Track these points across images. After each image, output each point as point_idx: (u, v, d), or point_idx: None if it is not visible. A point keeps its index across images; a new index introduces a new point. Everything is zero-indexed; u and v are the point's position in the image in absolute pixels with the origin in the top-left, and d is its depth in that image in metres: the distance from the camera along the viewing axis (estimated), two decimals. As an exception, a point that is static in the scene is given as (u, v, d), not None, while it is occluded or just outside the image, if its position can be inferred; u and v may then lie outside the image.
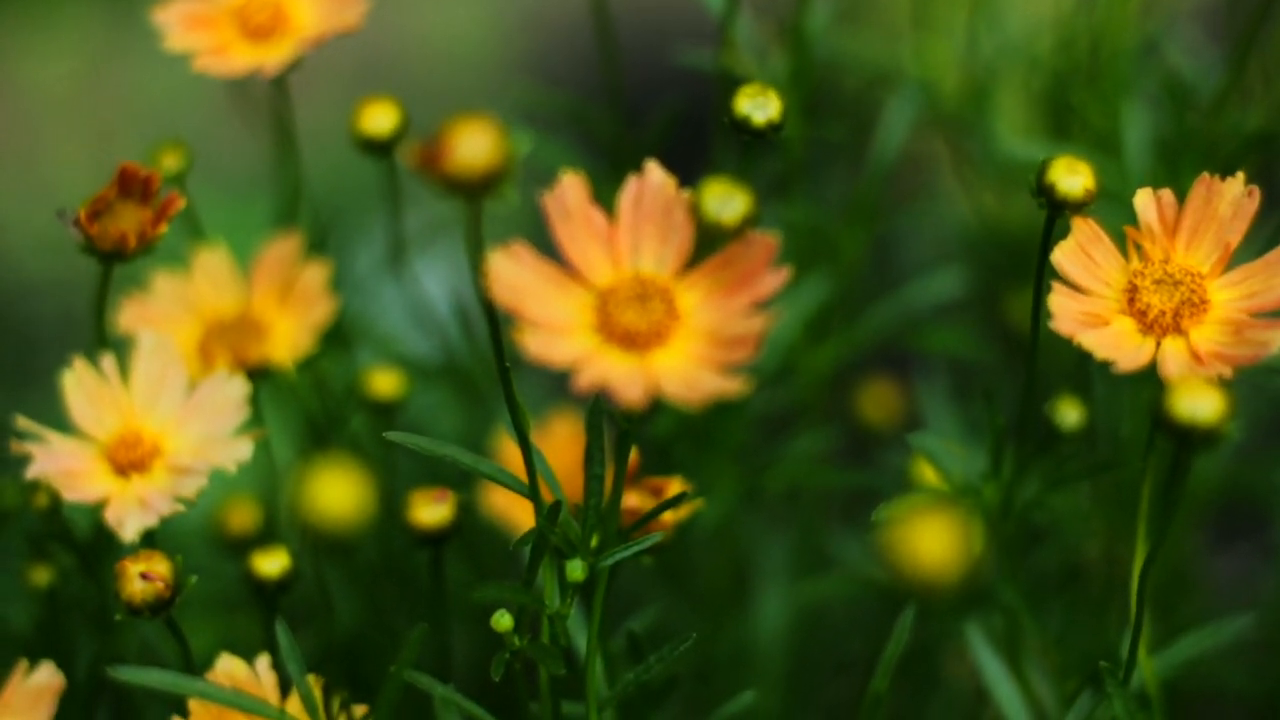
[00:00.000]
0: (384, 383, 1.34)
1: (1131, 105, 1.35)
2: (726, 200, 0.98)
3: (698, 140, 1.41)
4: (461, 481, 1.33)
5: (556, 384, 1.61)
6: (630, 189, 1.01)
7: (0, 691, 1.14)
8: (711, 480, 1.35)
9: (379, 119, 1.24)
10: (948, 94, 1.48)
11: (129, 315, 1.29)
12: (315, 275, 1.28)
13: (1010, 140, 1.45)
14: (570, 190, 1.00)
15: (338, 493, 0.87)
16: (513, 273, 0.98)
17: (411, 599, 1.41)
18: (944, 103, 1.48)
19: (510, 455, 1.38)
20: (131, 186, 1.17)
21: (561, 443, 1.41)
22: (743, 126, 1.12)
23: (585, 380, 0.96)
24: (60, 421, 1.18)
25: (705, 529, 1.38)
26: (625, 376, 0.96)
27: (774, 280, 0.98)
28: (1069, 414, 1.19)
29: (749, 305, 0.98)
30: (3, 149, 2.48)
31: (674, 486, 1.16)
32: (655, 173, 1.01)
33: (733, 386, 0.95)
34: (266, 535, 1.34)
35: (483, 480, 1.22)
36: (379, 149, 1.24)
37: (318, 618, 1.35)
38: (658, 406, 0.98)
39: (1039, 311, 1.10)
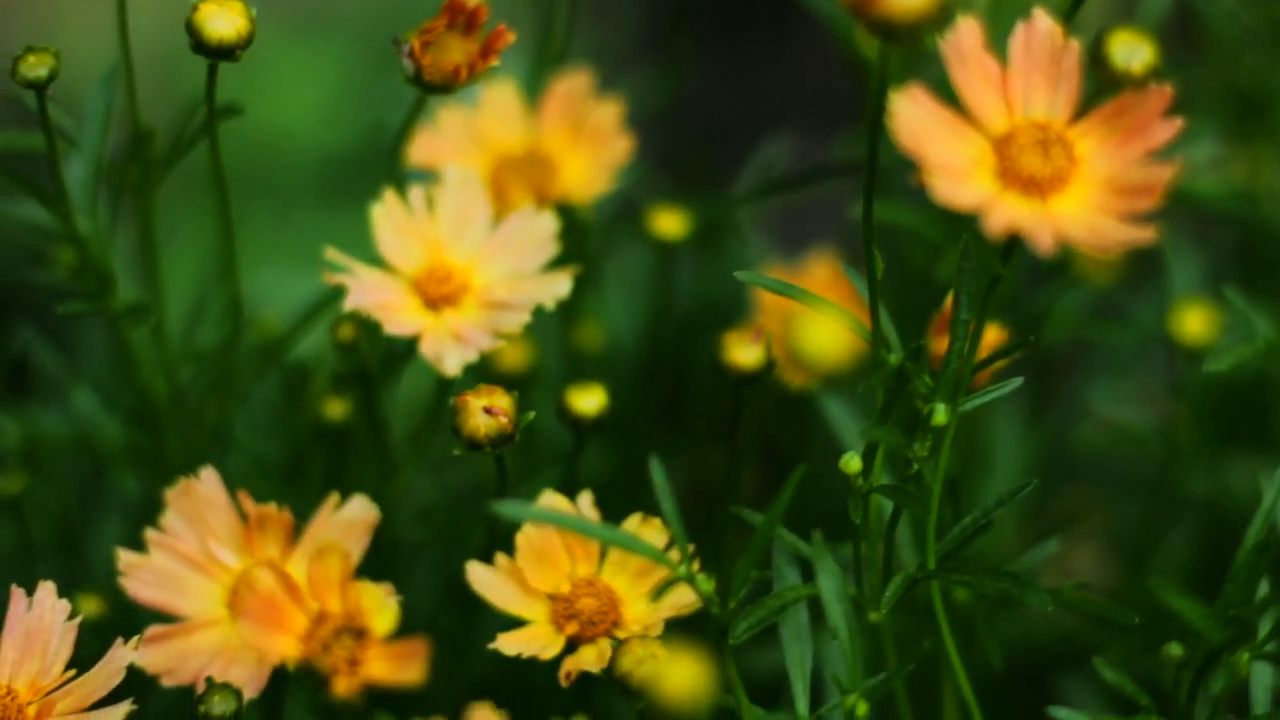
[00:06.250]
0: (668, 223, 1.33)
1: None
2: (1135, 49, 0.99)
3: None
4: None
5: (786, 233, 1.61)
6: (1019, 35, 1.01)
7: (308, 524, 1.13)
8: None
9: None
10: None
11: (421, 149, 1.27)
12: (609, 112, 1.26)
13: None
14: (966, 34, 1.00)
15: (828, 335, 0.88)
16: (914, 115, 0.98)
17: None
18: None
19: (767, 298, 1.38)
20: (458, 18, 1.15)
21: (819, 287, 1.41)
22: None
23: (995, 224, 0.96)
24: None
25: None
26: (1034, 222, 0.97)
27: (1168, 130, 0.98)
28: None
29: (1143, 154, 0.99)
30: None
31: (992, 333, 1.17)
32: (1043, 19, 1.01)
33: (1145, 235, 0.96)
34: (536, 372, 1.34)
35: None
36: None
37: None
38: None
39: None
